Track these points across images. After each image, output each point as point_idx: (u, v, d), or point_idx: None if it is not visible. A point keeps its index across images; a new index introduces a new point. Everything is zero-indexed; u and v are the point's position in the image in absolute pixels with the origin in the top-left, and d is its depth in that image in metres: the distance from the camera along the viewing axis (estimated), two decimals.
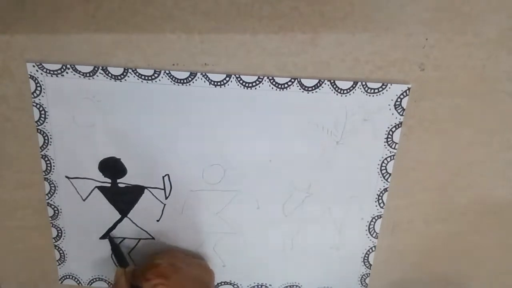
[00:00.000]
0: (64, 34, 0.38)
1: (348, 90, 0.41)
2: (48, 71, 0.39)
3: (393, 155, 0.44)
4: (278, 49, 0.39)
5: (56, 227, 0.45)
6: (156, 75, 0.39)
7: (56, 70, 0.39)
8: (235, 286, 0.50)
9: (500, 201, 0.47)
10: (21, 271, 0.48)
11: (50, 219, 0.45)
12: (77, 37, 0.38)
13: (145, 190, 0.44)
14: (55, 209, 0.44)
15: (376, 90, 0.41)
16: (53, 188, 0.44)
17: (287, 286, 0.50)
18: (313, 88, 0.41)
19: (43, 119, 0.41)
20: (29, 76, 0.39)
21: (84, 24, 0.38)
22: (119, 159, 0.43)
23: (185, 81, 0.40)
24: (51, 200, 0.44)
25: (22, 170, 0.43)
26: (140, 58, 0.39)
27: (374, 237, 0.48)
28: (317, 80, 0.40)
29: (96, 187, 0.44)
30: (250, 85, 0.40)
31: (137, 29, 0.38)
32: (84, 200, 0.44)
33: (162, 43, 0.39)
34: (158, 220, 0.46)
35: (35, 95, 0.40)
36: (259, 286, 0.50)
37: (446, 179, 0.46)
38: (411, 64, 0.40)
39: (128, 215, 0.45)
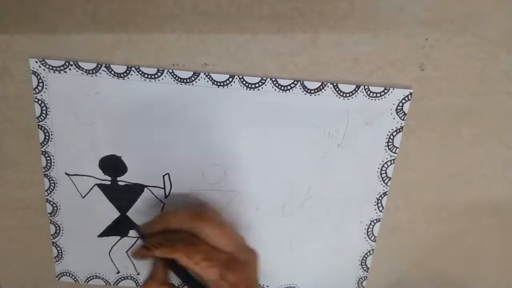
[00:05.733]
0: (64, 34, 0.38)
1: (351, 94, 0.41)
2: (50, 67, 0.39)
3: (394, 159, 0.43)
4: (278, 49, 0.39)
5: (54, 223, 0.45)
6: (159, 73, 0.40)
7: (59, 67, 0.39)
8: None
9: (500, 201, 0.46)
10: (21, 270, 0.48)
11: (49, 215, 0.45)
12: (77, 37, 0.38)
13: (145, 188, 0.44)
14: (54, 205, 0.45)
15: (378, 94, 0.41)
16: (52, 184, 0.44)
17: None
18: (316, 90, 0.41)
19: (44, 115, 0.41)
20: (31, 71, 0.39)
21: (84, 24, 0.38)
22: (120, 157, 0.43)
23: (188, 80, 0.40)
24: (50, 197, 0.44)
25: (22, 170, 0.43)
26: (140, 58, 0.39)
27: (372, 241, 0.47)
28: (320, 83, 0.40)
29: (95, 184, 0.44)
30: (253, 86, 0.40)
31: (137, 29, 0.38)
32: (83, 197, 0.44)
33: (162, 43, 0.39)
34: None
35: (36, 91, 0.40)
36: None
37: (446, 179, 0.45)
38: (411, 64, 0.40)
39: (128, 214, 0.45)
